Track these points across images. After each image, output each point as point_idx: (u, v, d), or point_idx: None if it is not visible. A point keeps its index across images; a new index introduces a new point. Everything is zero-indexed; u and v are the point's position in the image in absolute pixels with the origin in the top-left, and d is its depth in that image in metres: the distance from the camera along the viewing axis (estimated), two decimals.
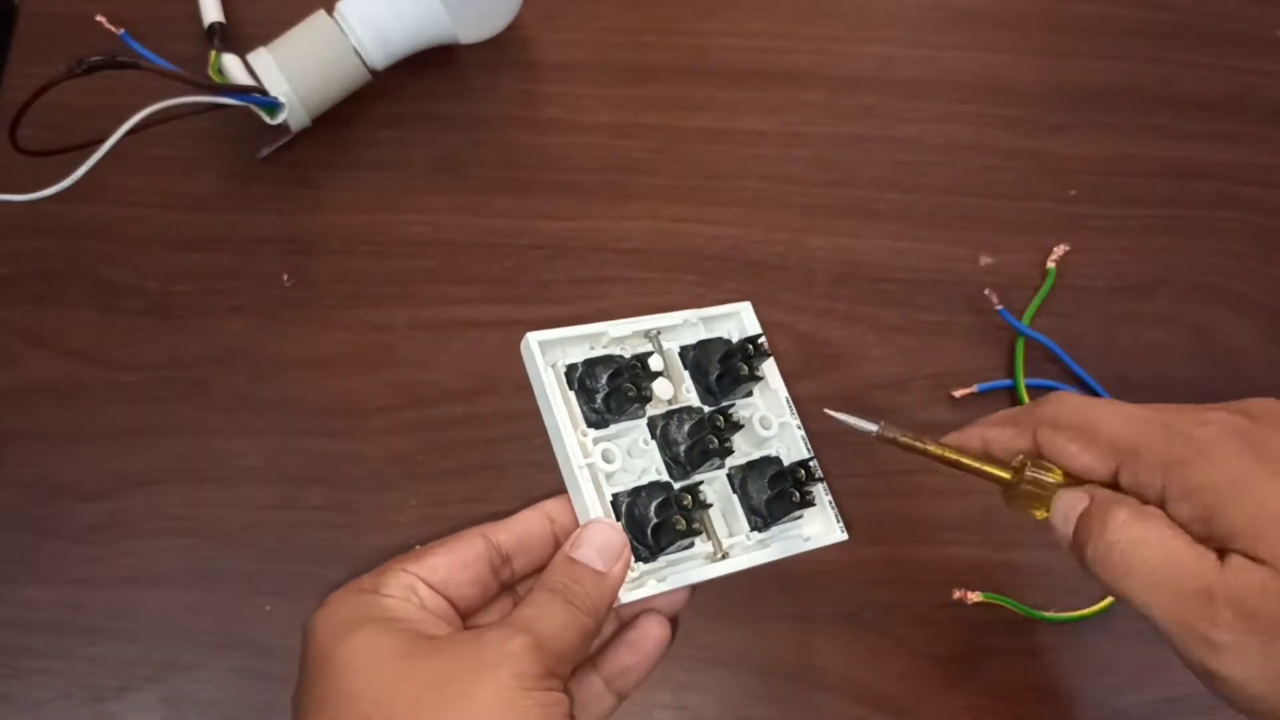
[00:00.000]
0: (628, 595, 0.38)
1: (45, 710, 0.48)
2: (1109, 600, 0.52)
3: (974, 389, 0.56)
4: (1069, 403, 0.37)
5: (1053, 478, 0.37)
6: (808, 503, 0.41)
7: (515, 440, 0.54)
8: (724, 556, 0.41)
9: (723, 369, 0.43)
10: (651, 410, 0.42)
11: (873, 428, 0.39)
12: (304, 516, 0.52)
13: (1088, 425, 0.35)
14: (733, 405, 0.43)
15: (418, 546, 0.51)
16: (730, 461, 0.42)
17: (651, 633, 0.38)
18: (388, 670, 0.33)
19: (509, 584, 0.39)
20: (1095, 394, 0.56)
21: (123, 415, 0.53)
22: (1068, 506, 0.35)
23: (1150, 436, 0.34)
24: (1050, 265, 0.59)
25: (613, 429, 0.41)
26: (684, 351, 0.44)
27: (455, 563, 0.37)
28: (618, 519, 0.39)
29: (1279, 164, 0.64)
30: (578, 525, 0.39)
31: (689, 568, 0.40)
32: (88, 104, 0.55)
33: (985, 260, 0.60)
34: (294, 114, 0.56)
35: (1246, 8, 0.68)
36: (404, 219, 0.59)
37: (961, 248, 0.60)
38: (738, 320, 0.46)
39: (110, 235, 0.57)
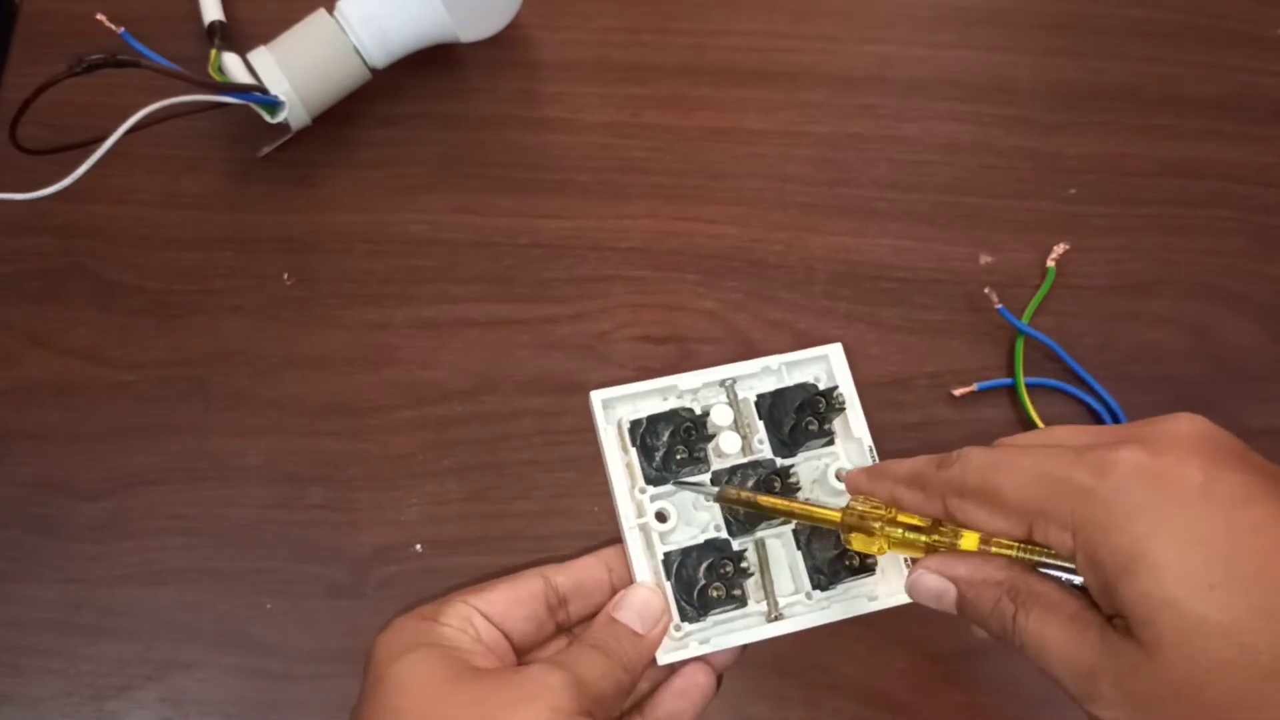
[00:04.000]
0: (666, 657, 0.39)
1: (45, 709, 0.49)
2: None
3: (974, 387, 0.56)
4: (972, 465, 0.35)
5: (880, 528, 0.37)
6: (868, 568, 0.41)
7: (515, 439, 0.54)
8: (778, 618, 0.40)
9: (795, 420, 0.42)
10: (718, 464, 0.42)
11: (712, 491, 0.41)
12: (304, 515, 0.52)
13: (991, 489, 0.34)
14: (794, 465, 0.42)
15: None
16: None
17: (698, 681, 0.40)
18: (434, 691, 0.35)
19: (565, 626, 0.41)
20: (1095, 392, 0.56)
21: (123, 414, 0.54)
22: (938, 592, 0.36)
23: (1054, 498, 0.32)
24: (1050, 264, 0.59)
25: (673, 485, 0.41)
26: (760, 400, 0.43)
27: (512, 598, 0.39)
28: (669, 577, 0.40)
29: (1279, 163, 0.63)
30: (631, 578, 0.40)
31: (740, 627, 0.40)
32: (88, 102, 0.55)
33: (985, 259, 0.60)
34: (294, 113, 0.56)
35: (1246, 7, 0.68)
36: (404, 218, 0.59)
37: (961, 247, 0.60)
38: (825, 364, 0.44)
39: (110, 234, 0.57)
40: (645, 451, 0.41)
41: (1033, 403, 0.55)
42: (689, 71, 0.63)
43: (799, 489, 0.41)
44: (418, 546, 0.52)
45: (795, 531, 0.42)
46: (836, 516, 0.38)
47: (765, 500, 0.40)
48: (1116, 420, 0.56)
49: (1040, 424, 0.55)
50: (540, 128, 0.61)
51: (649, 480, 0.41)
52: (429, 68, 0.61)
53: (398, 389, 0.55)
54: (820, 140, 0.62)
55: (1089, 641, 0.32)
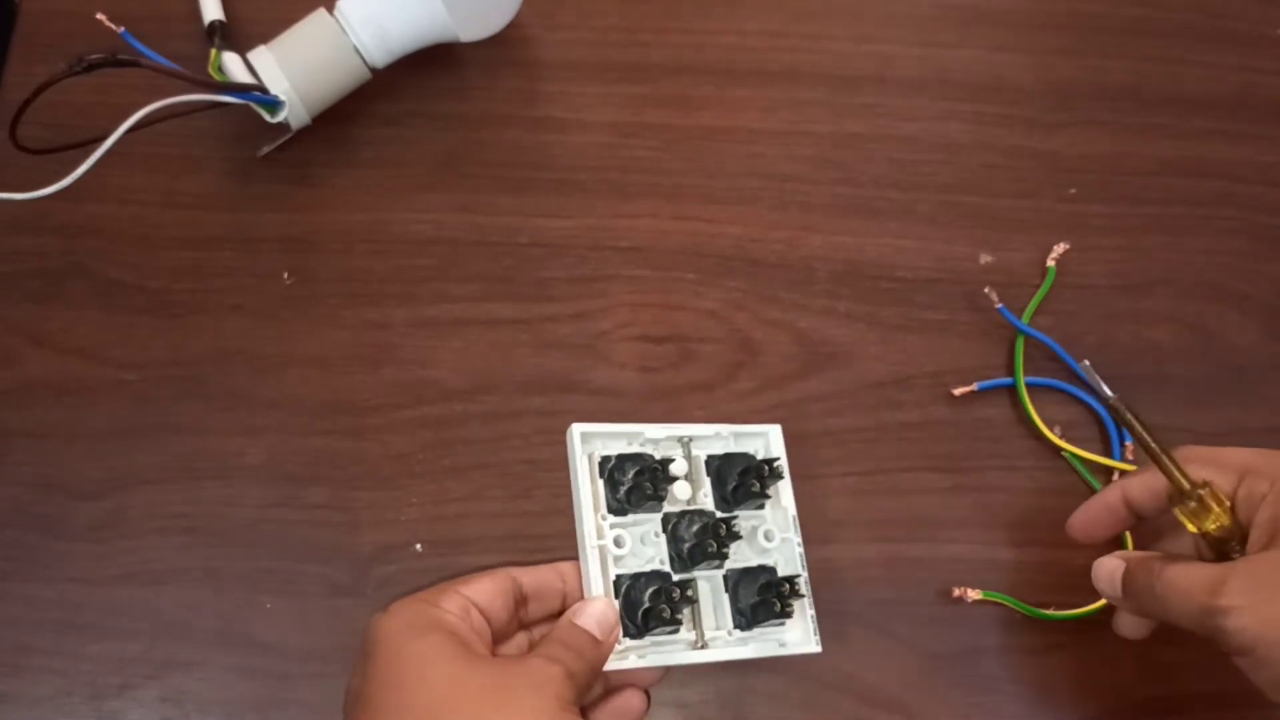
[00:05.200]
0: (611, 665, 0.43)
1: (46, 708, 0.49)
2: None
3: (974, 387, 0.56)
4: (1194, 448, 0.46)
5: (1216, 512, 0.44)
6: (786, 613, 0.46)
7: (514, 438, 0.54)
8: (703, 646, 0.46)
9: (739, 482, 0.48)
10: (668, 507, 0.47)
11: (1109, 394, 0.47)
12: (304, 515, 0.52)
13: (1216, 457, 0.45)
14: (736, 517, 0.47)
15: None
16: (729, 564, 0.47)
17: (632, 704, 0.44)
18: (455, 669, 0.38)
19: (524, 623, 0.44)
20: (1095, 391, 0.56)
21: (123, 413, 0.54)
22: (1111, 570, 0.46)
23: (1265, 462, 0.44)
24: (1050, 263, 0.59)
25: (630, 518, 0.46)
26: (710, 460, 0.49)
27: (494, 591, 0.42)
28: (617, 597, 0.44)
29: (1279, 163, 0.63)
30: (582, 590, 0.44)
31: (670, 651, 0.45)
32: (88, 102, 0.55)
33: (985, 258, 0.60)
34: (294, 112, 0.56)
35: (1247, 6, 0.68)
36: (404, 217, 0.59)
37: (961, 246, 0.60)
38: (764, 440, 0.50)
39: (111, 233, 0.57)
40: (611, 484, 0.46)
41: (1033, 402, 0.55)
42: (689, 71, 0.63)
43: (741, 537, 0.46)
44: (418, 546, 0.52)
45: (725, 576, 0.47)
46: (1186, 485, 0.44)
47: (1145, 437, 0.45)
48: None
49: (1040, 424, 0.55)
50: (540, 127, 0.62)
51: (610, 510, 0.46)
52: (429, 67, 0.61)
53: (398, 388, 0.55)
54: (820, 140, 0.62)
55: (1219, 567, 0.42)
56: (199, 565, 0.51)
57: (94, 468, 0.52)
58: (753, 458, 0.49)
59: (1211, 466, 0.45)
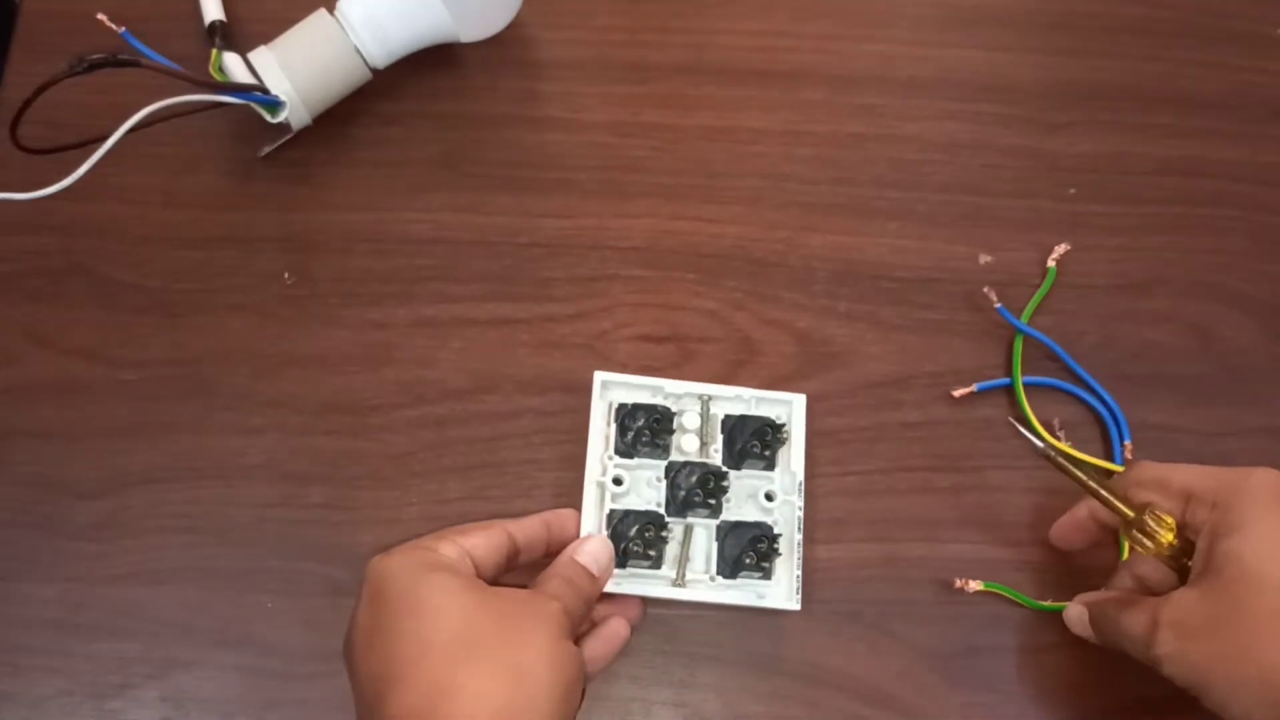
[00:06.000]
0: None
1: (46, 708, 0.49)
2: None
3: (973, 388, 0.56)
4: (1147, 467, 0.48)
5: (1161, 536, 0.46)
6: (762, 568, 0.49)
7: (514, 438, 0.54)
8: (680, 585, 0.49)
9: (744, 443, 0.51)
10: (675, 456, 0.51)
11: (1039, 444, 0.49)
12: (304, 514, 0.52)
13: (1163, 479, 0.47)
14: (728, 473, 0.50)
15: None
16: (725, 515, 0.50)
17: (619, 631, 0.48)
18: (468, 600, 0.41)
19: (511, 570, 0.47)
20: (1095, 391, 0.57)
21: (123, 413, 0.54)
22: (1078, 615, 0.49)
23: (1209, 487, 0.45)
24: (1050, 263, 0.59)
25: (635, 461, 0.50)
26: (726, 419, 0.51)
27: (488, 546, 0.45)
28: (607, 527, 0.48)
29: (1279, 162, 0.63)
30: (569, 532, 0.48)
31: (650, 584, 0.48)
32: (89, 102, 0.55)
33: (985, 258, 0.60)
34: (295, 112, 0.56)
35: (1247, 6, 0.68)
36: (404, 217, 0.59)
37: (961, 246, 0.60)
38: (788, 407, 0.52)
39: (111, 233, 0.57)
40: (621, 429, 0.50)
41: (1033, 402, 0.55)
42: (689, 71, 0.63)
43: (726, 490, 0.50)
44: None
45: (719, 525, 0.50)
46: (1130, 513, 0.47)
47: (1081, 477, 0.48)
48: (1115, 419, 0.56)
49: (1038, 424, 0.55)
50: (540, 127, 0.62)
51: (617, 451, 0.50)
52: (429, 67, 0.61)
53: (398, 388, 0.55)
54: (820, 139, 0.62)
55: (1152, 610, 0.45)
56: (200, 564, 0.51)
57: (94, 468, 0.52)
58: (769, 420, 0.51)
59: (1158, 490, 0.47)
